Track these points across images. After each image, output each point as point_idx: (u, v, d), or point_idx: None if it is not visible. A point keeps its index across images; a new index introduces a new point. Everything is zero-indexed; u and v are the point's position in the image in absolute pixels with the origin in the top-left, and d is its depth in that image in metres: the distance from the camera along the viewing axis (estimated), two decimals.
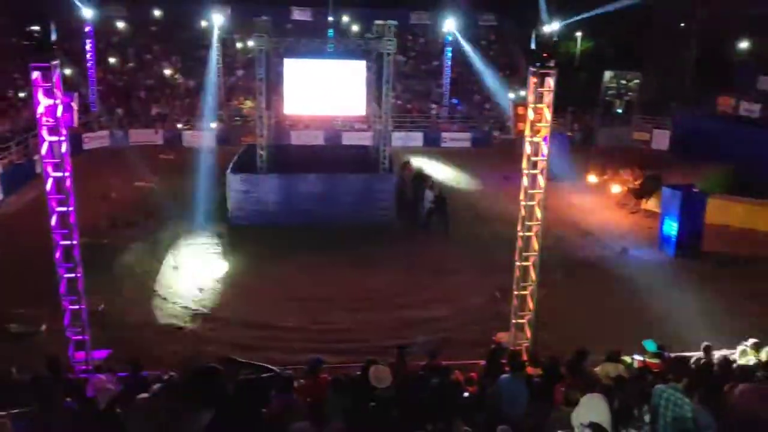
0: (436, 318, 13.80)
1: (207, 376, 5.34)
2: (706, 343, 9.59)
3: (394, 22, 20.13)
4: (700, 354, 9.35)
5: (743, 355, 8.97)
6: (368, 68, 21.02)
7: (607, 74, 33.99)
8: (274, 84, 20.68)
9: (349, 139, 29.30)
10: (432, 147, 30.40)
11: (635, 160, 24.28)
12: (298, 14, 37.29)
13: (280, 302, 14.28)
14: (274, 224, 18.35)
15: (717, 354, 9.25)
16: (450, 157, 28.35)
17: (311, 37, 22.90)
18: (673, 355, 9.55)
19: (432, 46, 37.38)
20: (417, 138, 31.05)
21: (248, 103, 31.32)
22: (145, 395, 5.75)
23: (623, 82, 33.96)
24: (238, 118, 31.59)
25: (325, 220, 18.46)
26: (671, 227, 17.46)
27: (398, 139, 28.89)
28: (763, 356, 9.04)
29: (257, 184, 19.43)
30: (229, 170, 19.62)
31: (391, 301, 14.50)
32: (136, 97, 32.11)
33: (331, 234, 17.67)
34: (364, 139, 27.38)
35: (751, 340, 9.61)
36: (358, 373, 8.38)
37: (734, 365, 8.84)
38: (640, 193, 21.07)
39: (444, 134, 31.46)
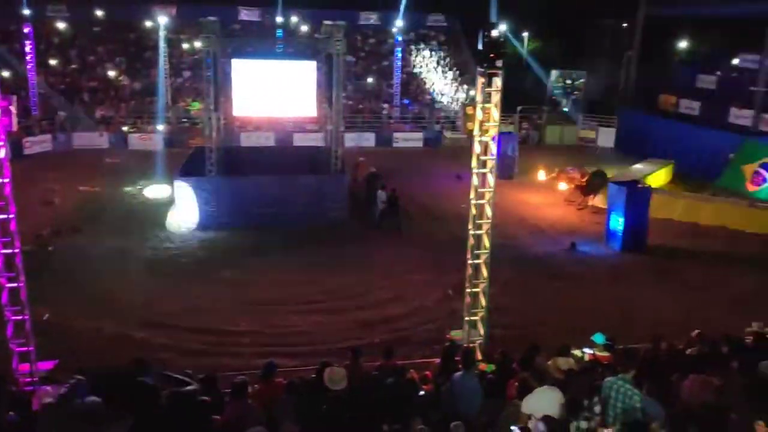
0: (391, 318, 13.82)
1: (129, 384, 5.19)
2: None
3: (343, 23, 20.10)
4: (648, 345, 9.61)
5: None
6: (318, 69, 20.92)
7: (554, 74, 34.75)
8: (222, 85, 20.37)
9: (300, 140, 29.14)
10: (384, 147, 30.47)
11: (581, 158, 24.90)
12: (246, 14, 36.88)
13: (233, 306, 14.07)
14: (225, 228, 18.10)
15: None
16: (402, 156, 28.47)
17: (259, 38, 22.67)
18: (621, 347, 9.78)
19: (382, 47, 37.49)
20: (369, 138, 31.08)
21: (196, 105, 30.83)
22: (50, 400, 5.58)
23: (569, 81, 34.79)
24: (185, 120, 31.04)
25: (277, 222, 18.29)
26: (617, 222, 17.91)
27: (350, 139, 28.87)
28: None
29: (207, 187, 19.10)
30: (177, 173, 19.25)
31: (346, 302, 14.46)
32: (80, 99, 31.22)
33: (283, 236, 17.52)
34: (316, 140, 27.27)
35: (695, 331, 9.96)
36: (313, 375, 8.35)
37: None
38: (587, 190, 21.56)
39: (396, 134, 31.58)
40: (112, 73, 33.29)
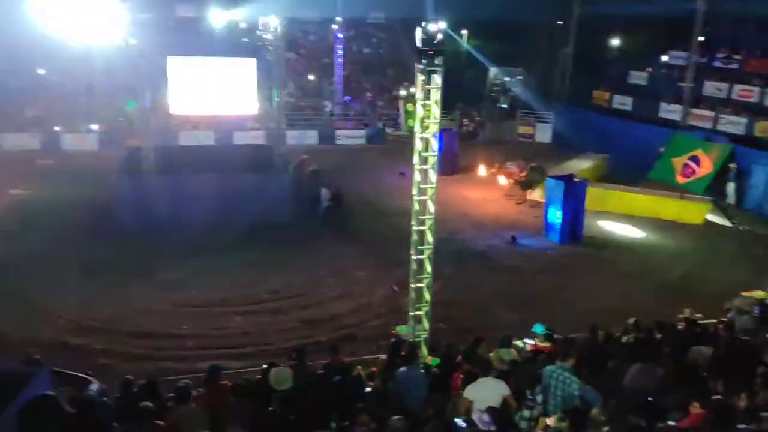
0: (337, 315, 13.82)
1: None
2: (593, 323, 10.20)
3: (283, 19, 19.92)
4: (586, 334, 9.92)
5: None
6: (258, 66, 20.69)
7: (492, 71, 35.31)
8: (159, 83, 19.88)
9: (240, 138, 28.71)
10: (327, 145, 30.38)
11: (520, 153, 25.43)
12: (182, 10, 36.06)
13: (175, 309, 13.80)
14: (165, 229, 17.69)
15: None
16: (345, 154, 28.46)
17: (196, 34, 22.25)
18: (560, 336, 10.05)
19: (322, 44, 37.32)
20: (311, 136, 30.92)
21: (132, 104, 29.94)
22: None
23: (507, 78, 35.43)
24: (121, 120, 30.12)
25: (218, 222, 17.97)
26: (555, 215, 18.38)
27: (292, 137, 28.67)
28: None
29: (144, 187, 18.63)
30: (115, 174, 18.69)
31: (291, 301, 14.37)
32: (8, 99, 29.87)
33: (225, 236, 17.23)
34: (257, 138, 26.96)
35: (632, 319, 10.33)
36: (259, 377, 8.29)
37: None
38: (526, 184, 22.03)
39: (338, 132, 31.51)
40: (41, 71, 32.00)
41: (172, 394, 7.22)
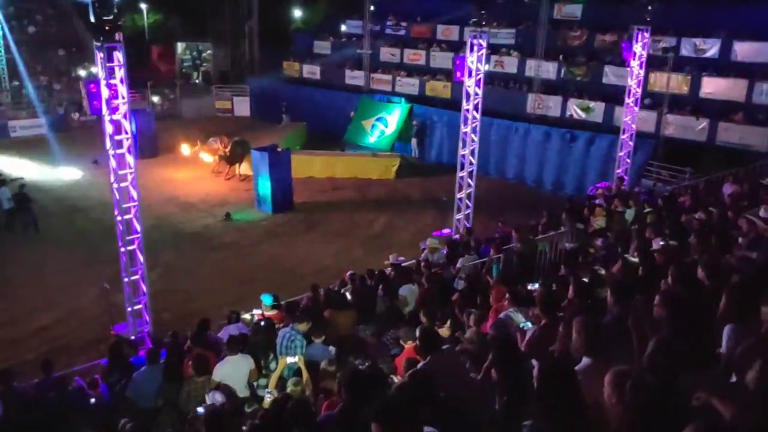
0: (44, 327, 12.42)
1: None
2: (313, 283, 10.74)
3: None
4: (310, 294, 10.41)
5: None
6: None
7: (180, 46, 34.11)
8: None
9: None
10: None
11: (222, 128, 25.20)
12: None
13: None
14: None
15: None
16: (24, 147, 25.16)
17: None
18: (284, 302, 10.40)
19: None
20: None
21: None
22: None
23: (196, 53, 34.59)
24: None
25: None
26: (265, 187, 18.70)
27: None
28: None
29: None
30: None
31: None
32: None
33: None
34: None
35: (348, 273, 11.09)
36: None
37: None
38: (232, 159, 21.94)
39: (11, 122, 27.71)
40: None
41: None
